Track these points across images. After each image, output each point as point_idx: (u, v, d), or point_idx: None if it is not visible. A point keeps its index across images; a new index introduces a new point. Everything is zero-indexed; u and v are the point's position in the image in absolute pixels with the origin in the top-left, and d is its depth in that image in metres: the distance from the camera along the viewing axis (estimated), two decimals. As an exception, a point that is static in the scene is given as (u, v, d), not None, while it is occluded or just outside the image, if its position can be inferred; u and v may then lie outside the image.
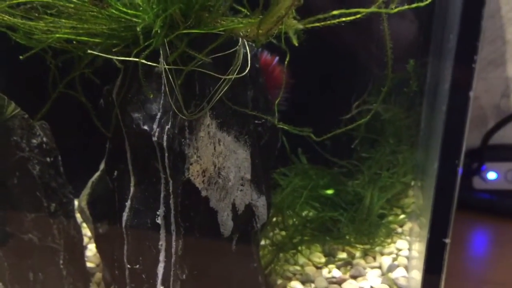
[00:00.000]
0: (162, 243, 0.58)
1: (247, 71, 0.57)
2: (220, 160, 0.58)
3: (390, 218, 0.73)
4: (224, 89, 0.55)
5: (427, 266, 0.44)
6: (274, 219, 0.67)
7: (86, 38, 0.56)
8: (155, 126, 0.56)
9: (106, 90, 0.61)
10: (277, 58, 0.67)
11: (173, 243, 0.58)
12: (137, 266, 0.59)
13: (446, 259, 0.42)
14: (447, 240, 0.42)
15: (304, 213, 0.68)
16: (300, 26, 0.43)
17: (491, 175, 1.03)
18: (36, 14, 0.57)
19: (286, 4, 0.42)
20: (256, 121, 0.62)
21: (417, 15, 0.79)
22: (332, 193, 0.68)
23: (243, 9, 0.50)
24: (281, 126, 0.60)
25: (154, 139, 0.55)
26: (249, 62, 0.57)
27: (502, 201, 1.00)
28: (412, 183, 0.80)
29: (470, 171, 1.05)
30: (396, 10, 0.44)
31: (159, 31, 0.50)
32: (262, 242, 0.71)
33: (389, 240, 0.73)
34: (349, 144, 0.73)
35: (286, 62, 0.59)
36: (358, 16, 0.44)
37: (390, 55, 0.47)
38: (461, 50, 0.39)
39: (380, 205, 0.69)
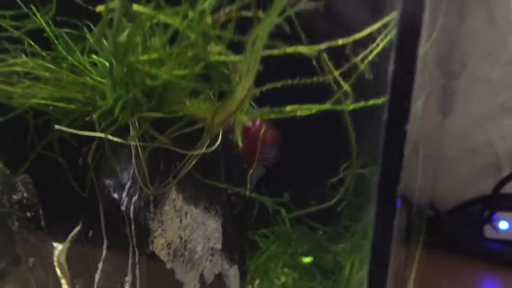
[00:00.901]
0: (129, 311, 0.58)
1: (217, 143, 0.56)
2: (187, 233, 0.57)
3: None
4: (191, 164, 0.54)
5: None
6: (250, 286, 0.66)
7: (62, 104, 0.57)
8: (124, 195, 0.56)
9: (84, 151, 0.61)
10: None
11: (139, 314, 0.58)
12: (106, 332, 0.59)
13: None
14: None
15: (282, 280, 0.67)
16: (249, 123, 0.42)
17: (503, 225, 0.99)
18: (16, 79, 0.58)
19: (238, 98, 0.41)
20: (229, 191, 0.61)
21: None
22: (311, 261, 0.66)
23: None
24: (255, 196, 0.59)
25: (123, 208, 0.55)
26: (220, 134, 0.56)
27: (514, 253, 0.95)
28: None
29: (481, 219, 1.01)
30: (352, 106, 0.42)
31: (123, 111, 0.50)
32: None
33: (370, 312, 0.70)
34: (336, 206, 0.71)
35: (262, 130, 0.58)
36: (314, 111, 0.42)
37: (355, 149, 0.45)
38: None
39: (363, 275, 0.67)
